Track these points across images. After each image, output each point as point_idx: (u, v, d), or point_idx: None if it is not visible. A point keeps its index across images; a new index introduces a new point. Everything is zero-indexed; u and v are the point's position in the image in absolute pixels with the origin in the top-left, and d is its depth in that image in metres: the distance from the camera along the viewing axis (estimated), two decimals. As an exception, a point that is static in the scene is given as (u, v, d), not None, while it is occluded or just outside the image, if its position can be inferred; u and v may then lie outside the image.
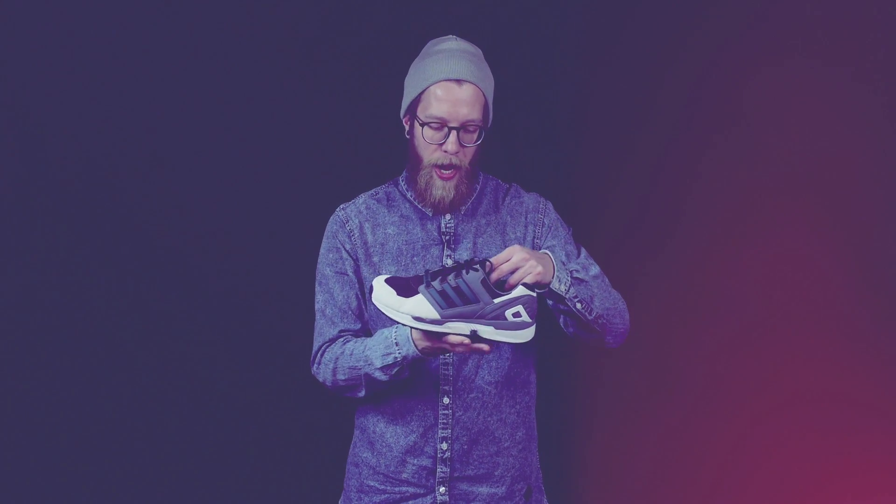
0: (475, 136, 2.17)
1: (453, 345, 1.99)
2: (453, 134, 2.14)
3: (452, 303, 1.96)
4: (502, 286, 2.01)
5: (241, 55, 3.20)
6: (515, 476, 2.23)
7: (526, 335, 1.98)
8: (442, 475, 2.18)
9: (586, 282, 2.13)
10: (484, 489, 2.20)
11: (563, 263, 2.15)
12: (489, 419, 2.20)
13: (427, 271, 2.01)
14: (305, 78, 3.29)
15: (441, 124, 2.15)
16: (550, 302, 2.13)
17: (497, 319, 1.97)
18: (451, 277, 1.96)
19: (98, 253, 3.07)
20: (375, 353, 2.12)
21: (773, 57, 2.87)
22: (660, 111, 3.24)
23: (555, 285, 2.08)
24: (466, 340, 1.98)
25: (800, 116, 2.82)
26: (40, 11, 2.95)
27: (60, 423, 3.03)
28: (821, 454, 2.75)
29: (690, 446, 3.14)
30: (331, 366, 2.20)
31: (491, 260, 2.01)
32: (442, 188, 2.17)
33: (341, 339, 2.22)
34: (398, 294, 1.98)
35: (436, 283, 1.96)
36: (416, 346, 2.06)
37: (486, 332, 1.97)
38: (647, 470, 3.31)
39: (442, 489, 2.18)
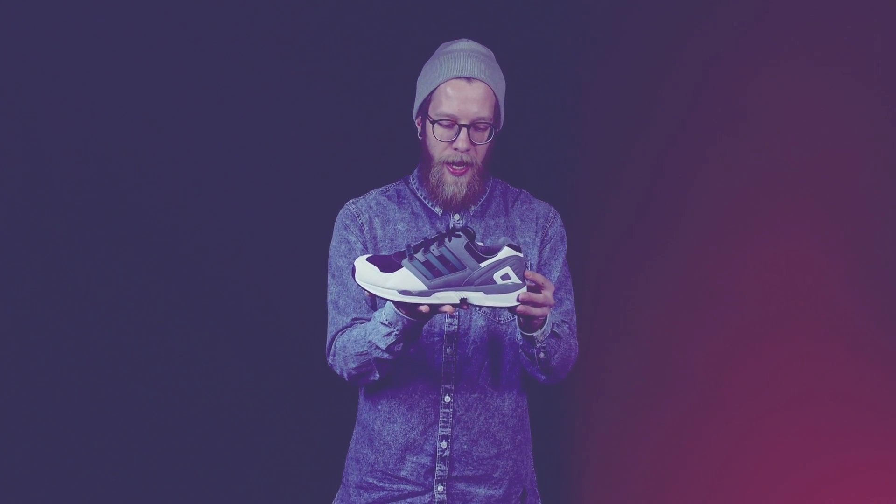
0: (486, 134, 2.18)
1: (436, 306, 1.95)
2: (464, 131, 2.15)
3: (438, 272, 1.90)
4: (489, 252, 1.95)
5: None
6: (513, 479, 2.24)
7: (516, 298, 1.93)
8: (440, 474, 2.18)
9: (559, 337, 2.15)
10: (482, 490, 2.20)
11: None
12: (491, 420, 2.21)
13: (408, 245, 1.96)
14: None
15: (451, 122, 2.16)
16: (520, 339, 2.13)
17: (486, 284, 1.91)
18: (433, 247, 1.91)
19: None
20: (376, 336, 2.09)
21: (773, 57, 2.87)
22: (660, 111, 3.24)
23: (537, 334, 2.09)
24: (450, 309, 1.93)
25: (800, 116, 2.82)
26: (40, 11, 2.96)
27: (59, 420, 3.03)
28: (821, 454, 2.75)
29: (689, 447, 3.14)
30: (342, 354, 2.19)
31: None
32: (454, 184, 2.18)
33: (349, 328, 2.21)
34: (381, 270, 1.92)
35: (419, 255, 1.92)
36: (403, 316, 2.03)
37: (476, 297, 1.92)
38: (646, 471, 3.31)
39: (440, 488, 2.18)
